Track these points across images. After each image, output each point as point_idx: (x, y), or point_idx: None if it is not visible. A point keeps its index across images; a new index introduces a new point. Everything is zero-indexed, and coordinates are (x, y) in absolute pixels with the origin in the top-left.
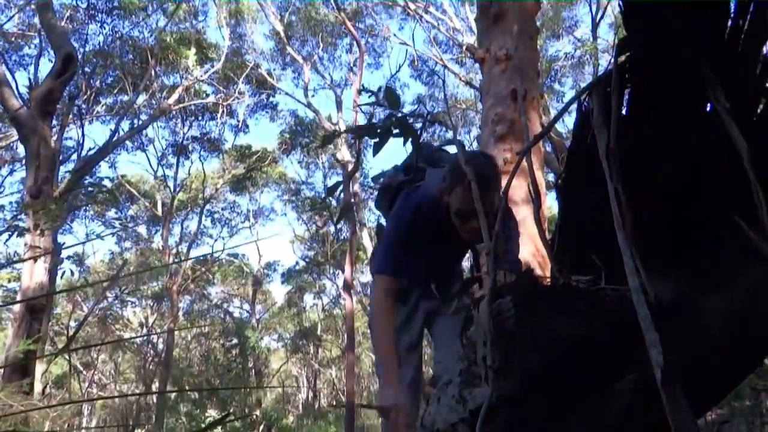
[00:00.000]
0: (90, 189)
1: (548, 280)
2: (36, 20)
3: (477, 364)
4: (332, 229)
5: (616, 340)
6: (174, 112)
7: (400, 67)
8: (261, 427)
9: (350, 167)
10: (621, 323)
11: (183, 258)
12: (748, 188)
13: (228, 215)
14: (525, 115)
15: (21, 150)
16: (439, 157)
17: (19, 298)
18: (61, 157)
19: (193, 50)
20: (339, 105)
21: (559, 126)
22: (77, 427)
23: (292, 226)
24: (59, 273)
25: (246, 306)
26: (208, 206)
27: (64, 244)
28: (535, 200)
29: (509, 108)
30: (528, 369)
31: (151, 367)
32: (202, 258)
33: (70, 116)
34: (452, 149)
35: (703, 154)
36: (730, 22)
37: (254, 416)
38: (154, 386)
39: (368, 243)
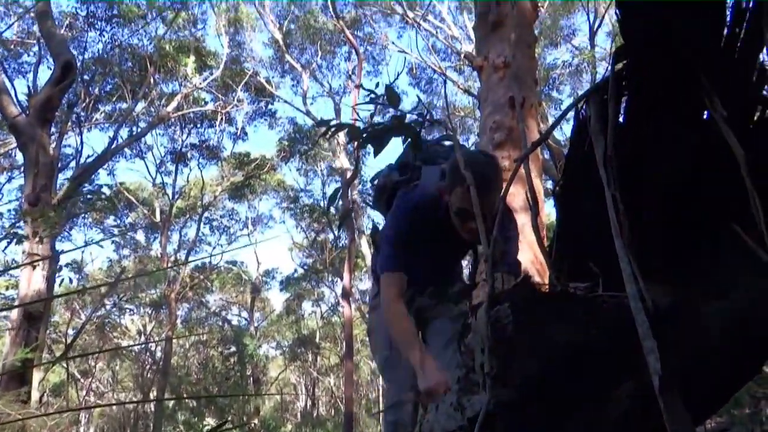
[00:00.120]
0: (89, 196)
1: (546, 287)
2: (35, 28)
3: (475, 371)
4: (331, 236)
5: (613, 347)
6: (173, 120)
7: (398, 74)
8: None
9: (349, 175)
10: (619, 330)
11: (181, 263)
12: (745, 194)
13: (226, 223)
14: (523, 122)
15: (19, 157)
16: (435, 152)
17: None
18: (59, 165)
19: (192, 58)
20: (338, 112)
21: (557, 134)
22: None
23: (291, 234)
24: (58, 281)
25: (244, 314)
26: (206, 214)
27: (62, 251)
28: (533, 207)
29: (507, 116)
30: (526, 376)
31: (148, 375)
32: (198, 261)
33: (69, 124)
34: (448, 143)
35: (701, 159)
36: (726, 30)
37: (252, 424)
38: (152, 394)
39: (367, 251)
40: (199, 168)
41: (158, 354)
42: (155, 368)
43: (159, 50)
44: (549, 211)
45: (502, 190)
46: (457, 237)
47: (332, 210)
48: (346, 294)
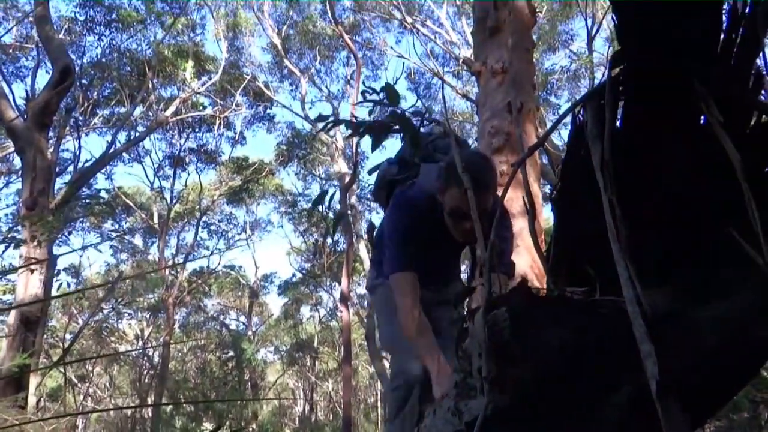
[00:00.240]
0: (87, 201)
1: (543, 291)
2: (34, 32)
3: (472, 375)
4: (329, 241)
5: (611, 351)
6: (171, 124)
7: (397, 80)
8: None
9: (347, 179)
10: (616, 335)
11: (179, 267)
12: (741, 199)
13: (225, 227)
14: (521, 127)
15: (17, 161)
16: (435, 148)
17: (13, 309)
18: (57, 169)
19: (191, 63)
20: (336, 117)
21: (556, 139)
22: None
23: (289, 238)
24: (56, 285)
25: (242, 318)
26: (204, 218)
27: (59, 255)
28: (530, 212)
29: (505, 120)
30: (523, 380)
31: (146, 379)
32: (197, 265)
33: (67, 128)
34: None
35: (697, 164)
36: (722, 36)
37: (250, 429)
38: (150, 399)
39: (365, 255)
40: (197, 172)
41: (156, 359)
42: (153, 373)
43: (158, 55)
44: (547, 216)
45: (496, 190)
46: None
47: (331, 214)
48: (345, 298)
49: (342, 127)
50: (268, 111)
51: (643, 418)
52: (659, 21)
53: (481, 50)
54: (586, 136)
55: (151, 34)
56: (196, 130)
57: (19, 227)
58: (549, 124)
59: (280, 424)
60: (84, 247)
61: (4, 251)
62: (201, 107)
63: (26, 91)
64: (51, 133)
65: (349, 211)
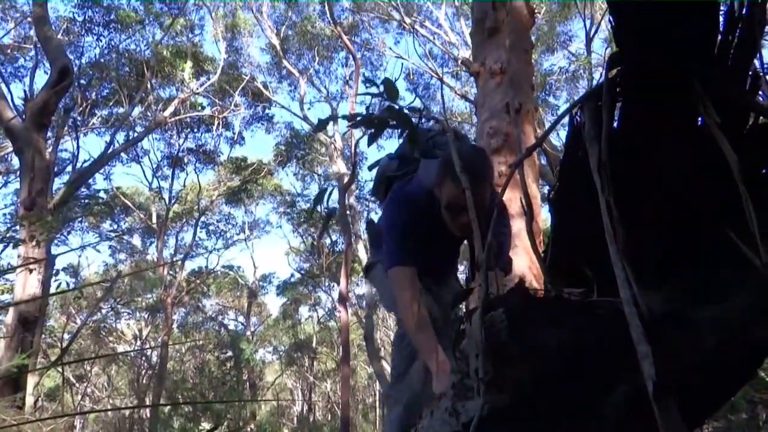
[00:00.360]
0: (86, 201)
1: (541, 292)
2: (32, 32)
3: (470, 376)
4: (328, 241)
5: (608, 352)
6: (169, 125)
7: (395, 80)
8: None
9: (346, 179)
10: (613, 335)
11: (177, 267)
12: (739, 200)
13: (223, 227)
14: (519, 128)
15: (15, 161)
16: (434, 144)
17: (11, 309)
18: (56, 169)
19: (190, 63)
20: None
21: (555, 140)
22: None
23: (288, 239)
24: (54, 284)
25: (241, 318)
26: (203, 218)
27: (57, 255)
28: (528, 212)
29: (504, 121)
30: (520, 381)
31: (144, 380)
32: (195, 265)
33: (66, 128)
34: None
35: (694, 165)
36: (720, 37)
37: (249, 429)
38: (148, 399)
39: (364, 255)
40: (195, 172)
41: (154, 359)
42: (151, 373)
43: (156, 55)
44: (545, 217)
45: (493, 184)
46: (451, 232)
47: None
48: (343, 299)
49: (341, 127)
50: (267, 111)
51: (640, 418)
52: (657, 22)
53: (479, 51)
54: (583, 137)
55: (150, 34)
56: (195, 130)
57: (18, 227)
58: (547, 125)
59: (278, 425)
60: (82, 247)
61: (2, 251)
62: (199, 107)
63: (25, 91)
64: (49, 134)
65: (348, 212)
